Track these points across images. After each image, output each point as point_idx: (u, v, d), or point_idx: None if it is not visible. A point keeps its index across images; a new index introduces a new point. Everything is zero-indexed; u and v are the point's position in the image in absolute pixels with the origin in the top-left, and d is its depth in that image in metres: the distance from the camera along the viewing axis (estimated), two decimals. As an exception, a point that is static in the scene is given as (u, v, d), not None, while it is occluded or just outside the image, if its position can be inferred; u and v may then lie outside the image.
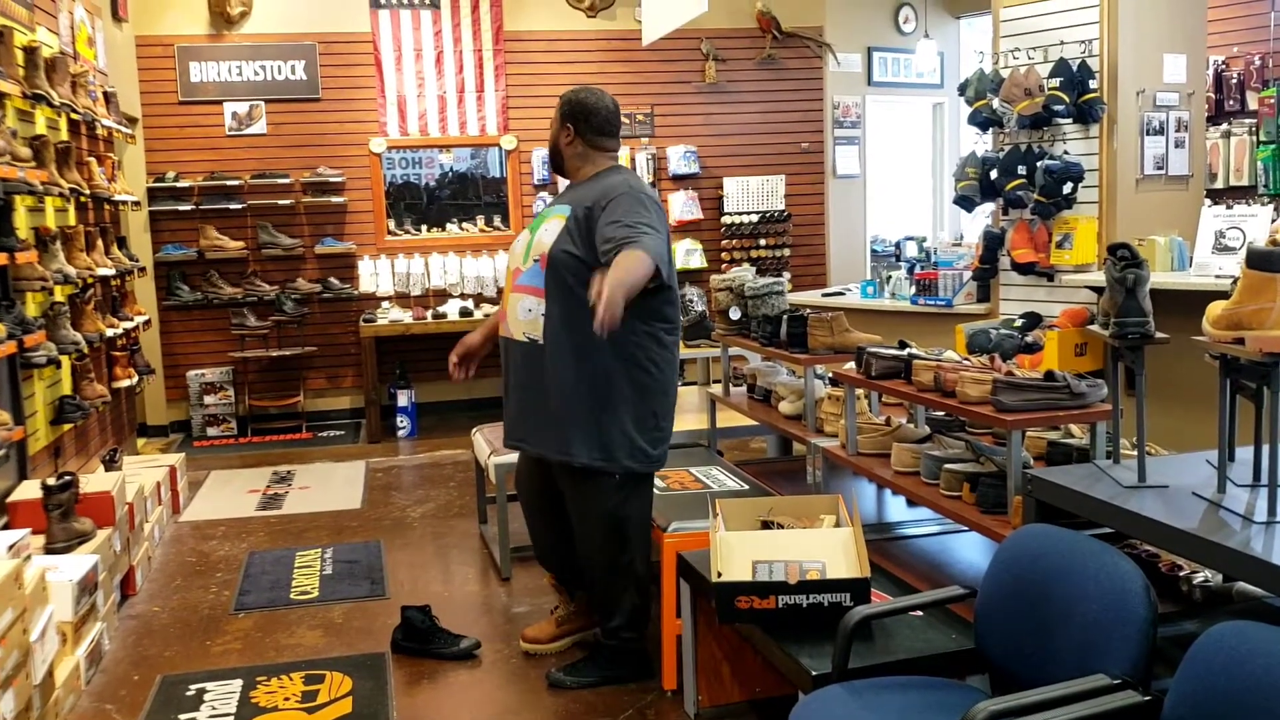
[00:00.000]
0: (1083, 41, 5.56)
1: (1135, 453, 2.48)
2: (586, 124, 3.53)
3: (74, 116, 5.55)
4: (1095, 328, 2.60)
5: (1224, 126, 7.12)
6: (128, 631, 4.28)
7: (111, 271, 5.88)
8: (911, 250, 8.39)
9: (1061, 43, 5.64)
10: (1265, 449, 2.21)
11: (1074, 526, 2.41)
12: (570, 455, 3.42)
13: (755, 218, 8.92)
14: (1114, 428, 2.72)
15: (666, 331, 3.48)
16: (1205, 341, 2.25)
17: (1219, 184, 7.09)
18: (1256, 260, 2.11)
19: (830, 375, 4.73)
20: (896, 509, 5.00)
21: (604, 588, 3.61)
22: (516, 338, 3.49)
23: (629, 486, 3.50)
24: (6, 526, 4.12)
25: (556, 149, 3.61)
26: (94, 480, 4.58)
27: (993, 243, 5.97)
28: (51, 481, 4.10)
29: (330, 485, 6.57)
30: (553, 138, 3.60)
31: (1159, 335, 2.44)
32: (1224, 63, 7.18)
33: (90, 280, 5.57)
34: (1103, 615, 2.12)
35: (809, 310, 4.94)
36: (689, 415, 5.85)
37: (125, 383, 6.32)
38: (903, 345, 3.97)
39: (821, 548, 2.95)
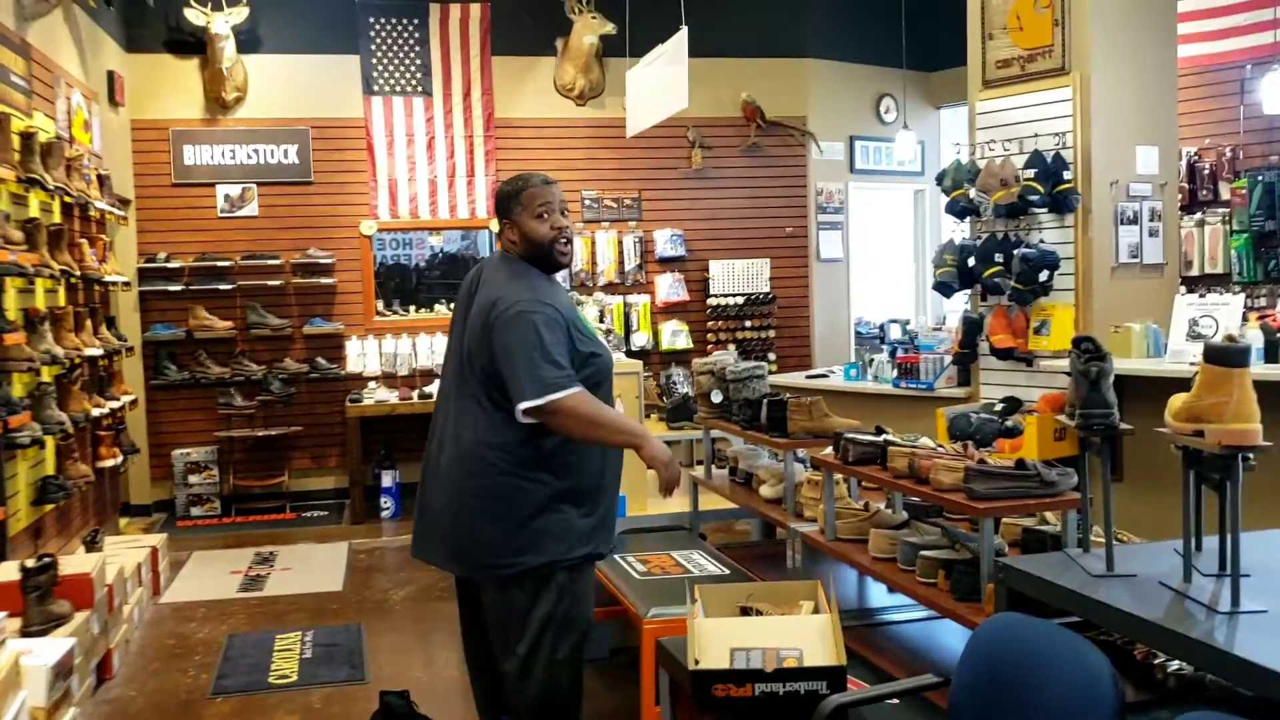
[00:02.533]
0: (1057, 134, 5.70)
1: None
2: None
3: (67, 199, 5.64)
4: (1063, 417, 2.65)
5: (1198, 215, 7.28)
6: (102, 717, 4.24)
7: (99, 351, 5.92)
8: (895, 332, 8.50)
9: (1036, 135, 5.78)
10: (1230, 539, 2.24)
11: (1047, 614, 2.44)
12: None
13: (741, 300, 9.03)
14: (1084, 516, 2.75)
15: None
16: (1168, 433, 2.30)
17: (1194, 271, 7.22)
18: (1213, 356, 2.17)
19: (810, 459, 4.77)
20: (878, 594, 5.00)
21: None
22: None
23: None
24: (-16, 609, 4.09)
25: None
26: (74, 561, 4.57)
27: (971, 328, 6.06)
28: (30, 563, 4.09)
29: (312, 566, 6.54)
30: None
31: (1124, 426, 2.49)
32: (1196, 154, 7.36)
33: (78, 360, 5.61)
34: (1072, 705, 2.13)
35: (789, 394, 5.00)
36: (671, 498, 5.87)
37: (110, 462, 6.32)
38: (879, 431, 4.02)
39: (799, 635, 2.96)
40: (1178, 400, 2.27)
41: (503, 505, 2.91)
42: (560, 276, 3.24)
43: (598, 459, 3.02)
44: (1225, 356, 2.16)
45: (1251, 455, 2.15)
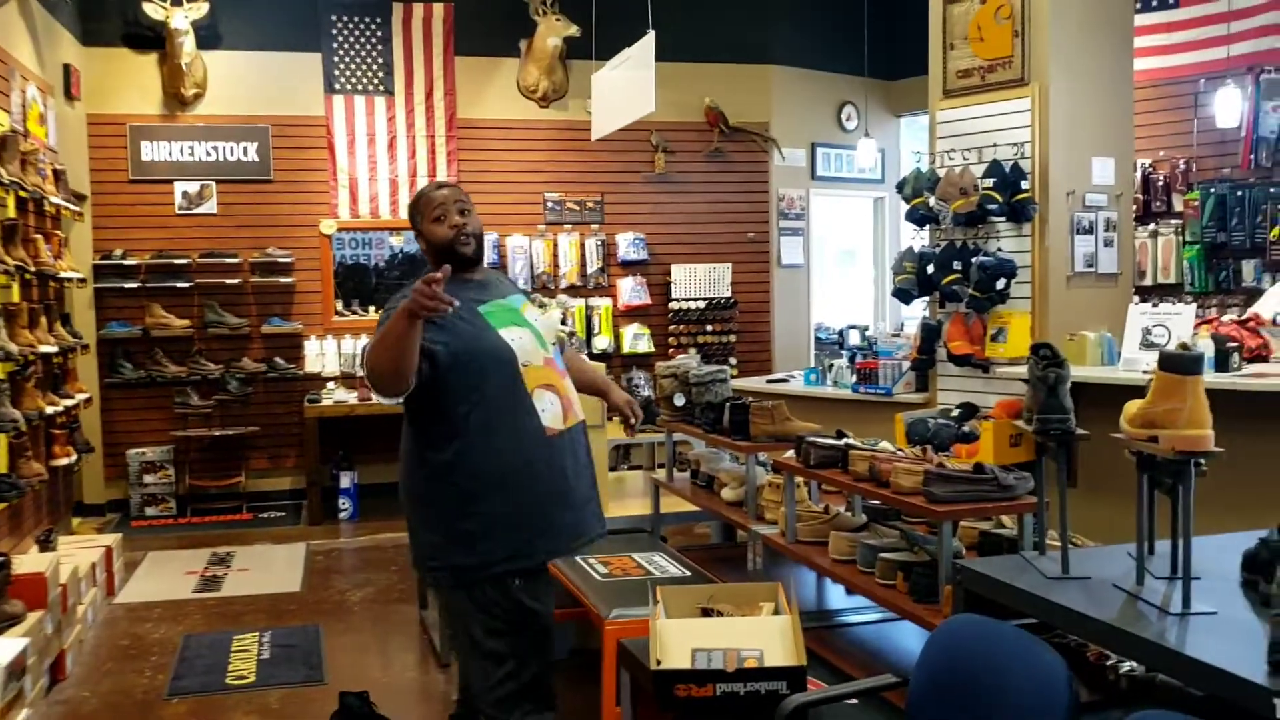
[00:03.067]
0: (1015, 144, 5.79)
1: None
2: None
3: (22, 194, 5.56)
4: (1020, 423, 2.69)
5: (1151, 226, 7.41)
6: (56, 717, 4.18)
7: (54, 349, 5.84)
8: (855, 338, 8.57)
9: (995, 145, 5.86)
10: (1181, 543, 2.29)
11: (1003, 615, 2.48)
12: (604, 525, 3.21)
13: (702, 304, 9.07)
14: (1039, 519, 2.80)
15: None
16: (1123, 439, 2.35)
17: (1148, 281, 7.35)
18: (1168, 363, 2.22)
19: (771, 463, 4.81)
20: (837, 596, 5.05)
21: None
22: (566, 425, 3.00)
23: None
24: (-66, 608, 4.03)
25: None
26: (27, 561, 4.51)
27: (930, 334, 6.13)
28: (-17, 562, 4.04)
29: (270, 567, 6.49)
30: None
31: (1080, 431, 2.54)
32: (1151, 166, 7.50)
33: (32, 358, 5.53)
34: (1029, 704, 2.17)
35: (751, 398, 5.03)
36: (633, 500, 5.90)
37: (64, 461, 6.24)
38: (840, 435, 4.06)
39: (760, 635, 2.99)
40: (1133, 406, 2.32)
41: (424, 508, 2.93)
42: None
43: (520, 471, 2.88)
44: (1180, 364, 2.21)
45: (1204, 461, 2.20)
